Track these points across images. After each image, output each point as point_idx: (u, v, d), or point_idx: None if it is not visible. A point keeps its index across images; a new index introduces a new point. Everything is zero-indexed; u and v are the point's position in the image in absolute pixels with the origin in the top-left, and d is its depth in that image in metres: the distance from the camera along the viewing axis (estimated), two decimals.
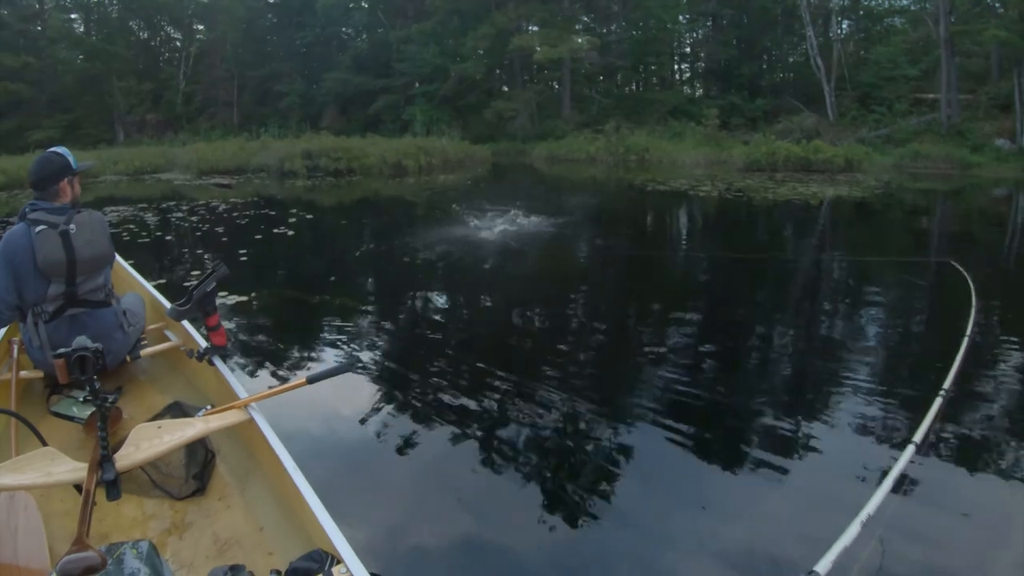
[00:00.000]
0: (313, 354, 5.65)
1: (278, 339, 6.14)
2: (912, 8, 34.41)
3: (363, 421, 4.28)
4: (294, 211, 15.26)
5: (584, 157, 29.78)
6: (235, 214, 14.77)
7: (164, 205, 16.79)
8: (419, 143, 28.17)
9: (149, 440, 2.26)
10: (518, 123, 36.30)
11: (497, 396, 4.63)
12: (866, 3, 36.39)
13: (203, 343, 3.38)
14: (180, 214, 15.11)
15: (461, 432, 4.11)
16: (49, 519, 2.44)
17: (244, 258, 10.17)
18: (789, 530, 3.13)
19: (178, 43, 50.58)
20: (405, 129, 36.78)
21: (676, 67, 42.93)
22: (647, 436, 4.05)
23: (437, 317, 7.03)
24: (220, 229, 12.84)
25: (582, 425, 4.23)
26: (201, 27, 50.07)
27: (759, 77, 37.56)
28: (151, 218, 14.40)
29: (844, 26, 36.11)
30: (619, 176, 23.98)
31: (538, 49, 34.50)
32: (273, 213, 14.98)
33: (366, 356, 5.55)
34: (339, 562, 1.90)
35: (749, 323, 6.63)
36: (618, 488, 3.50)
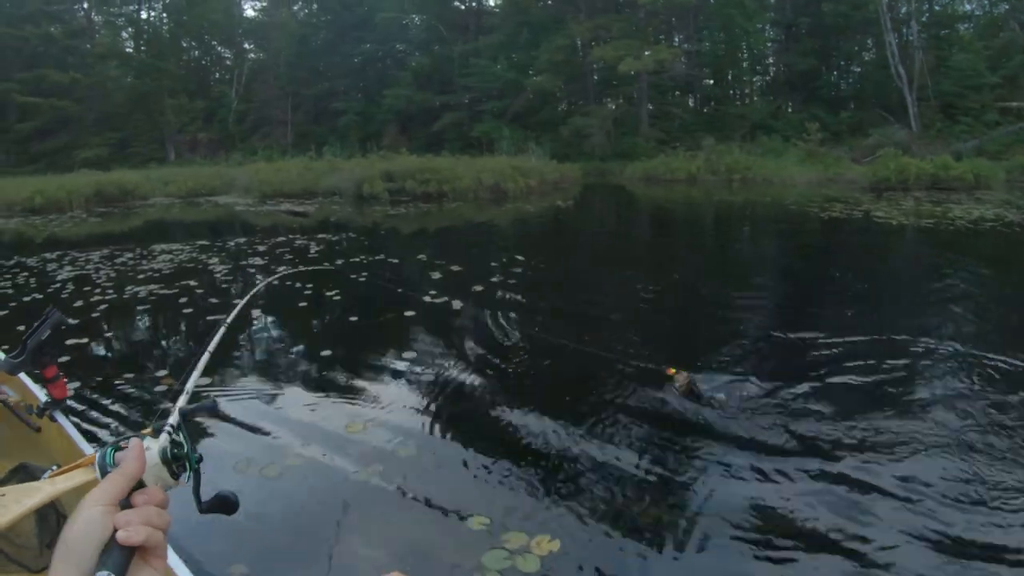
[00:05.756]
0: None
1: None
2: (988, 12, 32.93)
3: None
4: (430, 261, 12.36)
5: (684, 177, 27.40)
6: (335, 258, 12.10)
7: (232, 243, 14.06)
8: (512, 163, 25.72)
9: None
10: (595, 140, 33.92)
11: None
12: (939, 9, 34.51)
13: (43, 397, 3.22)
14: (258, 258, 12.39)
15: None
16: None
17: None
18: None
19: (228, 62, 49.77)
20: (472, 147, 34.47)
21: (757, 79, 40.20)
22: None
23: None
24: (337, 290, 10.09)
25: None
26: (250, 46, 49.40)
27: (838, 88, 35.82)
28: (218, 267, 11.64)
29: (917, 33, 33.36)
30: (734, 199, 21.79)
31: (622, 61, 31.67)
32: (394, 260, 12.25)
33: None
34: None
35: None
36: None
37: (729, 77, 39.15)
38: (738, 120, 34.32)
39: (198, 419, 4.76)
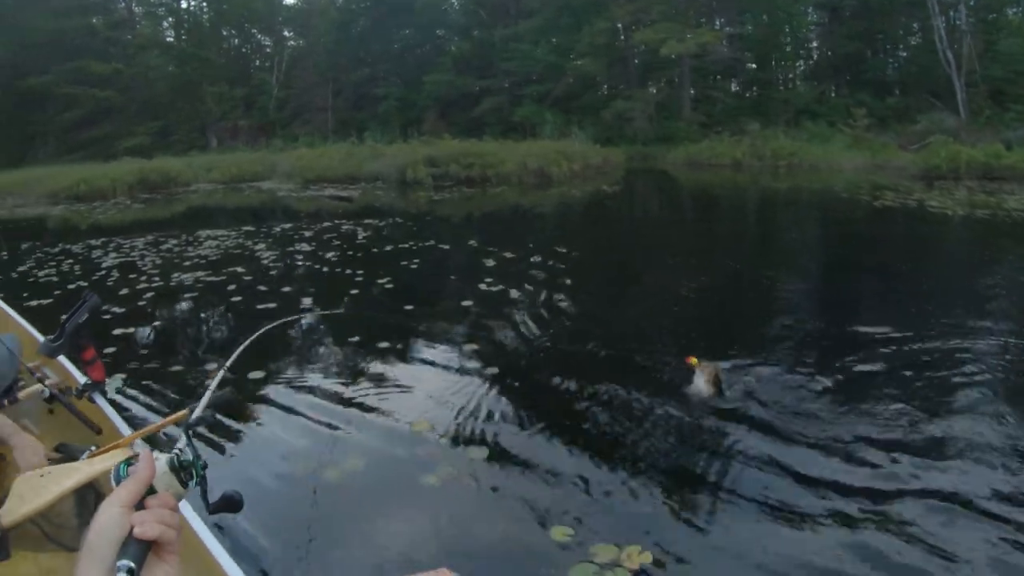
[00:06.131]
0: None
1: None
2: None
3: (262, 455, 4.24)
4: (471, 242, 11.92)
5: (729, 162, 26.62)
6: (386, 245, 11.61)
7: (278, 228, 13.74)
8: (556, 147, 25.14)
9: (34, 491, 2.10)
10: (637, 125, 33.19)
11: None
12: None
13: (82, 379, 3.27)
14: (305, 244, 12.09)
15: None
16: None
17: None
18: None
19: (268, 49, 49.65)
20: (513, 131, 33.84)
21: (800, 63, 39.10)
22: None
23: None
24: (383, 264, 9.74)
25: None
26: (290, 33, 49.31)
27: (884, 72, 34.41)
28: (265, 253, 11.31)
29: (964, 16, 32.12)
30: (780, 185, 21.20)
31: (664, 44, 30.90)
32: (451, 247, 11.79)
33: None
34: None
35: None
36: None
37: (772, 61, 37.83)
38: (782, 105, 33.29)
39: (259, 421, 4.82)
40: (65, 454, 2.82)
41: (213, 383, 1.36)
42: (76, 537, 2.56)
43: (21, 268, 10.89)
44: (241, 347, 1.66)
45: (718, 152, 27.62)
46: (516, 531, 3.41)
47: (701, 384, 4.64)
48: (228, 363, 1.56)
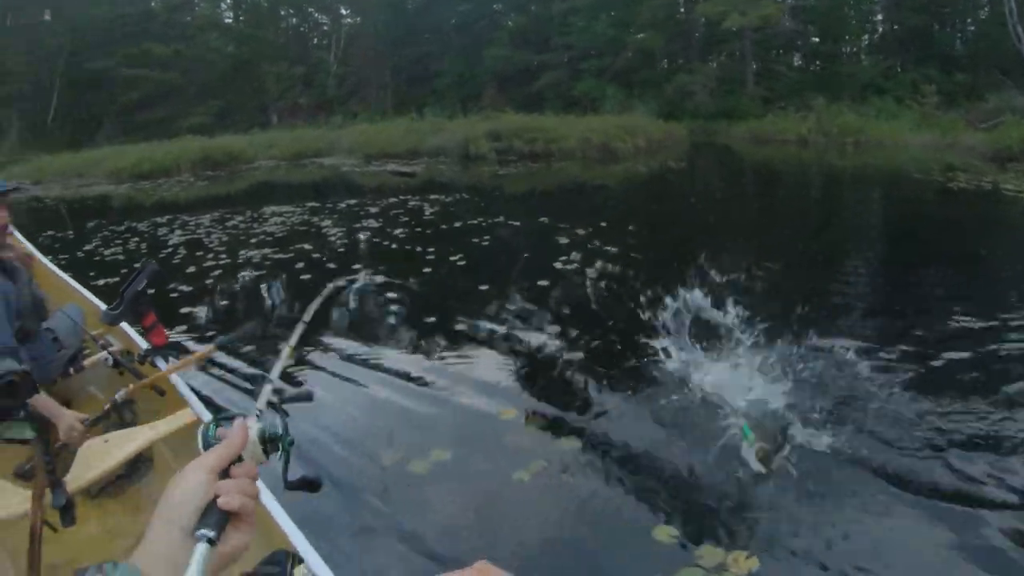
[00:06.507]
0: None
1: None
2: None
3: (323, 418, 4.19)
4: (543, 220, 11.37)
5: (794, 138, 25.66)
6: (455, 222, 11.19)
7: (343, 204, 13.43)
8: (618, 122, 24.64)
9: (99, 456, 2.26)
10: (699, 99, 32.43)
11: None
12: None
13: (144, 344, 3.28)
14: (371, 220, 11.73)
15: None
16: (18, 553, 2.36)
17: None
18: None
19: (326, 27, 49.81)
20: (573, 106, 33.14)
21: (865, 37, 37.65)
22: None
23: None
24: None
25: None
26: (347, 11, 49.18)
27: (952, 47, 33.06)
28: (331, 229, 10.96)
29: None
30: (848, 163, 20.06)
31: (726, 17, 29.94)
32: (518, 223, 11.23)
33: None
34: (300, 562, 1.91)
35: None
36: None
37: (836, 35, 36.39)
38: (847, 80, 32.10)
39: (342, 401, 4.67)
40: (130, 413, 3.05)
41: (291, 340, 1.32)
42: (140, 499, 2.85)
43: (87, 247, 10.78)
44: (316, 301, 1.65)
45: (783, 128, 26.76)
46: (615, 531, 3.19)
47: (752, 459, 4.13)
48: (307, 316, 1.51)
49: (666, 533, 3.04)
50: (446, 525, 3.27)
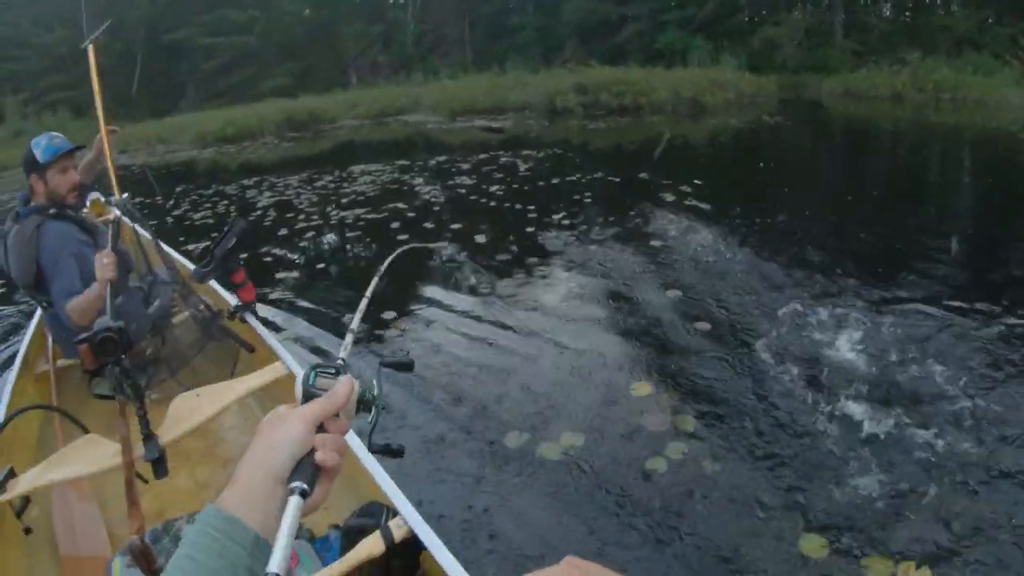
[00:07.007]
0: None
1: None
2: None
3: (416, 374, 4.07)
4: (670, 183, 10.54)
5: (888, 94, 23.97)
6: (552, 178, 10.57)
7: (433, 161, 12.96)
8: (707, 75, 23.86)
9: (190, 410, 2.31)
10: (786, 52, 31.17)
11: None
12: None
13: (233, 301, 3.39)
14: (464, 177, 11.21)
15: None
16: (106, 505, 2.61)
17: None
18: None
19: None
20: (656, 59, 31.97)
21: None
22: None
23: None
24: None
25: None
26: None
27: None
28: (424, 187, 10.49)
29: None
30: (947, 121, 18.65)
31: None
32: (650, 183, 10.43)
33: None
34: (395, 515, 1.95)
35: None
36: None
37: None
38: (940, 32, 30.08)
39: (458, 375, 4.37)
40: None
41: (367, 291, 1.32)
42: (229, 453, 2.99)
43: (176, 212, 10.64)
44: (391, 257, 1.63)
45: (876, 82, 25.12)
46: (762, 533, 2.81)
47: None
48: (383, 268, 1.49)
49: (816, 544, 2.71)
50: (558, 510, 3.02)
